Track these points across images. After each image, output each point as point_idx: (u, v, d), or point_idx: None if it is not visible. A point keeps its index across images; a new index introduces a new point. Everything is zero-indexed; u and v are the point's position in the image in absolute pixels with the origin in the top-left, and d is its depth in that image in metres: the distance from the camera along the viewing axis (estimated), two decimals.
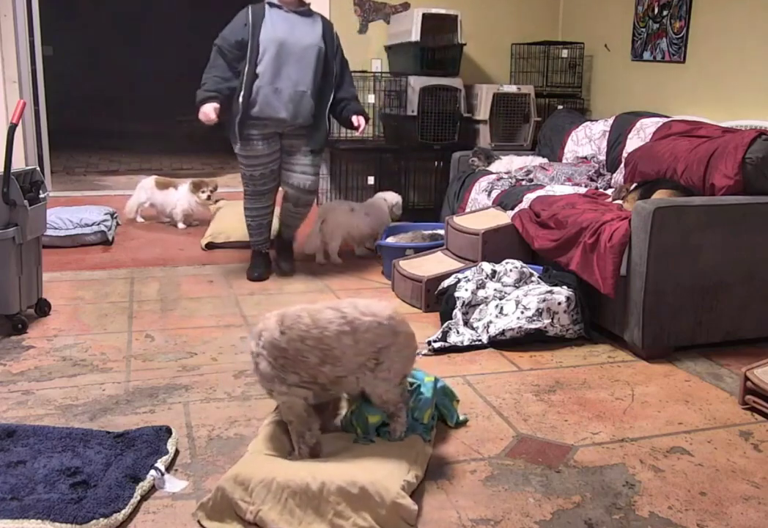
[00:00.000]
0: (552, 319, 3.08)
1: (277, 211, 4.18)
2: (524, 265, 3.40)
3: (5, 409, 2.46)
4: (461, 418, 2.41)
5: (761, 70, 3.99)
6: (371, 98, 5.39)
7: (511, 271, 3.34)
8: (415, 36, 5.05)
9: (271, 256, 4.21)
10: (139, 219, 5.16)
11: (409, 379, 2.28)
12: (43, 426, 2.28)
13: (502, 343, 3.08)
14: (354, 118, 3.94)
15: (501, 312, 3.13)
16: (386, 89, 5.41)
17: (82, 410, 2.46)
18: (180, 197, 5.03)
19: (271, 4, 3.80)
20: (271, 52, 3.69)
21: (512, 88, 5.35)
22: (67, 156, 7.49)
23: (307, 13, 3.87)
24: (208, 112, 3.69)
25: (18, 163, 4.43)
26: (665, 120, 4.11)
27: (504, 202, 4.02)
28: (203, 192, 4.98)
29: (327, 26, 3.91)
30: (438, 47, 5.23)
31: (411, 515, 1.83)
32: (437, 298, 3.44)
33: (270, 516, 1.84)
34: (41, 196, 3.23)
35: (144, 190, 5.08)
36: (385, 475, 1.90)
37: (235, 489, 1.88)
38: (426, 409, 2.26)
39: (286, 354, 2.03)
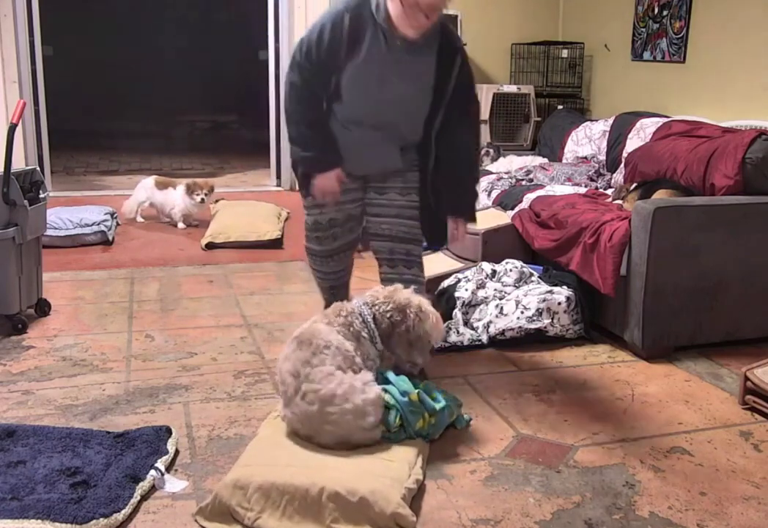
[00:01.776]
0: (552, 319, 3.08)
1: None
2: (524, 265, 3.40)
3: (5, 409, 2.46)
4: (466, 417, 2.40)
5: (761, 70, 3.99)
6: None
7: (511, 271, 3.34)
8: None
9: None
10: (140, 219, 5.16)
11: (435, 398, 2.29)
12: (43, 426, 2.28)
13: (502, 343, 3.08)
14: (450, 223, 2.62)
15: (501, 312, 3.13)
16: None
17: (82, 410, 2.46)
18: (177, 197, 5.02)
19: (377, 22, 2.40)
20: (357, 97, 2.50)
21: (512, 88, 5.35)
22: (67, 156, 7.49)
23: (423, 42, 2.45)
24: (333, 183, 2.56)
25: (18, 163, 4.43)
26: (665, 120, 4.11)
27: (504, 202, 4.01)
28: (197, 195, 4.93)
29: (445, 49, 2.51)
30: None
31: (410, 525, 1.83)
32: (437, 298, 3.43)
33: (269, 523, 1.84)
34: (41, 196, 3.23)
35: (144, 190, 5.08)
36: (386, 483, 1.90)
37: (233, 495, 1.88)
38: (442, 428, 2.29)
39: None
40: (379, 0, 2.38)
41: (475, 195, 2.70)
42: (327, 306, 2.74)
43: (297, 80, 2.49)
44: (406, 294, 2.34)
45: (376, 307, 2.29)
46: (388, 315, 2.28)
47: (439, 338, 2.40)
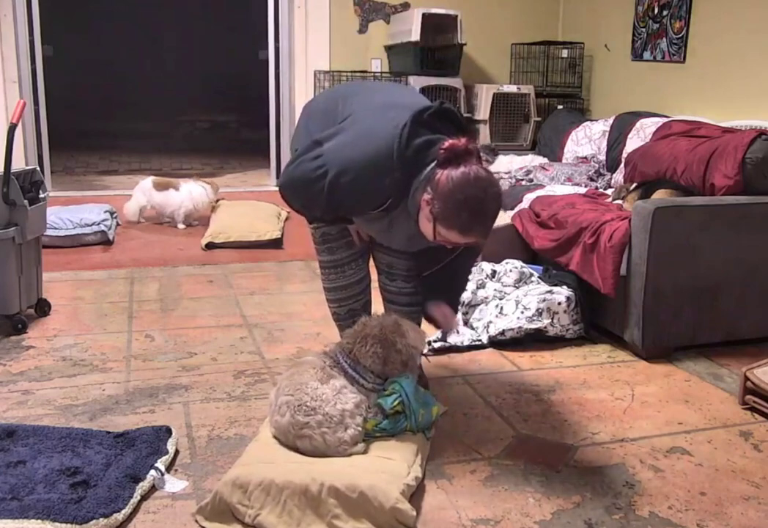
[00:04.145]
0: (552, 319, 3.08)
1: None
2: (524, 265, 3.40)
3: (5, 409, 2.46)
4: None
5: (761, 70, 3.99)
6: None
7: (511, 271, 3.34)
8: (415, 36, 5.05)
9: None
10: (141, 219, 5.14)
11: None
12: (43, 426, 2.28)
13: (502, 343, 3.08)
14: (436, 311, 2.40)
15: (501, 312, 3.13)
16: None
17: (82, 410, 2.46)
18: (184, 198, 5.01)
19: (407, 204, 2.11)
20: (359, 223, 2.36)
21: (512, 88, 5.35)
22: (67, 156, 7.49)
23: None
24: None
25: (18, 163, 4.43)
26: (665, 120, 4.11)
27: (504, 202, 4.01)
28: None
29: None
30: (438, 47, 5.23)
31: (409, 520, 1.83)
32: None
33: (269, 519, 1.84)
34: (41, 196, 3.23)
35: (142, 192, 5.03)
36: (385, 479, 1.90)
37: (233, 493, 1.88)
38: (433, 405, 2.27)
39: None
40: (417, 191, 2.04)
41: (457, 301, 2.55)
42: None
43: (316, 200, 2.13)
44: (373, 324, 2.25)
45: (354, 352, 2.22)
46: (370, 353, 2.20)
47: (423, 343, 2.32)
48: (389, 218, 2.19)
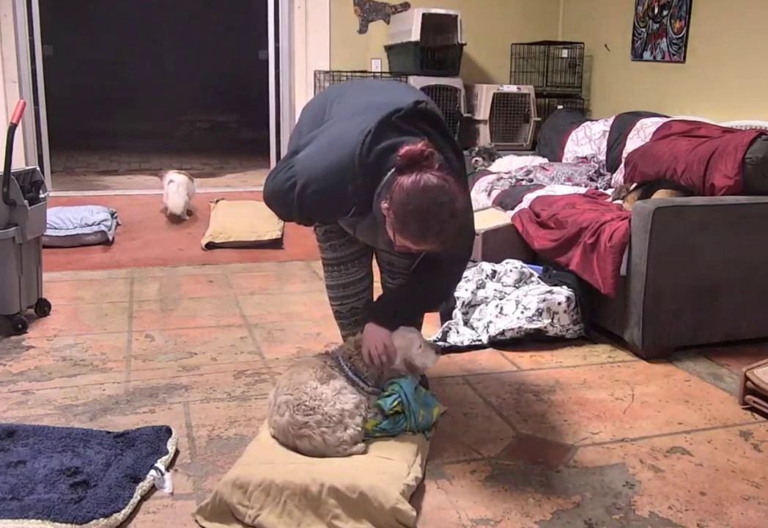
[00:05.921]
0: (552, 319, 3.08)
1: None
2: (524, 265, 3.40)
3: (5, 409, 2.46)
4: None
5: (761, 70, 3.99)
6: None
7: (511, 271, 3.34)
8: (415, 36, 5.05)
9: None
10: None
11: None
12: (43, 426, 2.28)
13: (502, 343, 3.08)
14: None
15: (501, 312, 3.13)
16: None
17: (82, 410, 2.46)
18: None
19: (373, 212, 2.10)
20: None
21: (512, 88, 5.35)
22: (67, 156, 7.48)
23: None
24: None
25: (18, 163, 4.43)
26: (665, 120, 4.11)
27: (504, 202, 4.01)
28: None
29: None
30: (438, 47, 5.23)
31: (409, 521, 1.83)
32: None
33: (269, 519, 1.84)
34: (41, 196, 3.24)
35: (185, 187, 5.08)
36: (385, 479, 1.90)
37: (233, 493, 1.88)
38: (434, 406, 2.27)
39: None
40: (378, 198, 2.03)
41: (415, 314, 2.46)
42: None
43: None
44: None
45: (353, 359, 2.24)
46: (365, 368, 2.23)
47: (416, 342, 2.27)
48: (365, 222, 2.18)
